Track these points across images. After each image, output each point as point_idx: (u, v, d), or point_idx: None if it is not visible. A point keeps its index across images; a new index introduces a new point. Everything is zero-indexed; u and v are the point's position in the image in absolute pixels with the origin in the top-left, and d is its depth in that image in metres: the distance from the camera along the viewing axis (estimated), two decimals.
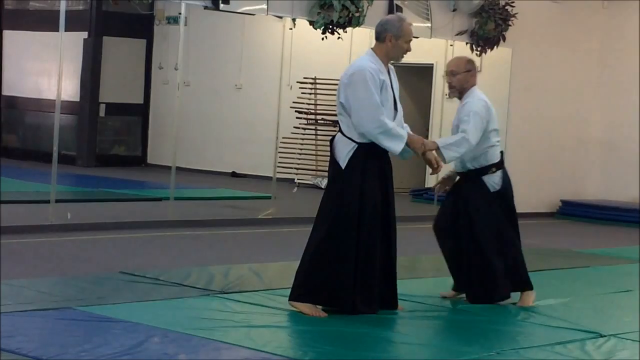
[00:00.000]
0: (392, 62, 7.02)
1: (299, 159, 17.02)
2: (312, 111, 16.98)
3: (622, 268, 10.08)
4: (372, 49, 7.00)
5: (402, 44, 6.94)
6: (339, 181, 6.85)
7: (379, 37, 6.97)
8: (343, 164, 6.83)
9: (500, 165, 7.52)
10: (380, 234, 6.87)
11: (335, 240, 6.77)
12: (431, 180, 15.50)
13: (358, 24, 12.21)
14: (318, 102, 16.97)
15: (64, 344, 5.60)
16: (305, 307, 6.78)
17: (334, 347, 5.96)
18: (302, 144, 17.00)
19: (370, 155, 6.83)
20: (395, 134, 6.76)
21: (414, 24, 13.24)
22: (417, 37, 13.32)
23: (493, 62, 15.07)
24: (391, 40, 6.92)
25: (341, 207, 6.78)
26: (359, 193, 6.79)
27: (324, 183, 17.37)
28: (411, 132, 6.96)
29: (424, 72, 16.18)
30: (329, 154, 7.05)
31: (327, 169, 7.05)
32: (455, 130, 7.38)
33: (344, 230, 6.75)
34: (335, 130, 7.53)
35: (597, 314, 7.48)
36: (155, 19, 18.75)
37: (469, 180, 7.50)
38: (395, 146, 6.79)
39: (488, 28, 13.81)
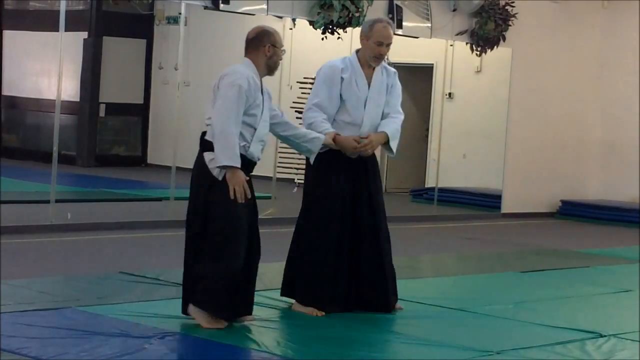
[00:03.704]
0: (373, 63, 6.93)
1: (299, 159, 16.97)
2: None
3: (622, 268, 10.07)
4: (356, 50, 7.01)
5: (371, 45, 6.86)
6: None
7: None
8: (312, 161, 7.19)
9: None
10: (346, 233, 6.90)
11: (301, 237, 7.05)
12: (431, 180, 15.51)
13: (358, 24, 12.20)
14: None
15: (64, 344, 5.60)
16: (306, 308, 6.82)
17: (333, 347, 5.96)
18: None
19: (335, 153, 6.97)
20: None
21: (414, 24, 13.42)
22: (417, 37, 13.44)
23: (493, 62, 15.08)
24: (363, 41, 6.92)
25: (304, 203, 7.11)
26: (323, 192, 7.06)
27: None
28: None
29: (424, 72, 16.16)
30: None
31: None
32: None
33: (307, 226, 7.05)
34: None
35: (597, 314, 7.48)
36: (155, 19, 18.72)
37: None
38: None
39: (488, 28, 13.80)
